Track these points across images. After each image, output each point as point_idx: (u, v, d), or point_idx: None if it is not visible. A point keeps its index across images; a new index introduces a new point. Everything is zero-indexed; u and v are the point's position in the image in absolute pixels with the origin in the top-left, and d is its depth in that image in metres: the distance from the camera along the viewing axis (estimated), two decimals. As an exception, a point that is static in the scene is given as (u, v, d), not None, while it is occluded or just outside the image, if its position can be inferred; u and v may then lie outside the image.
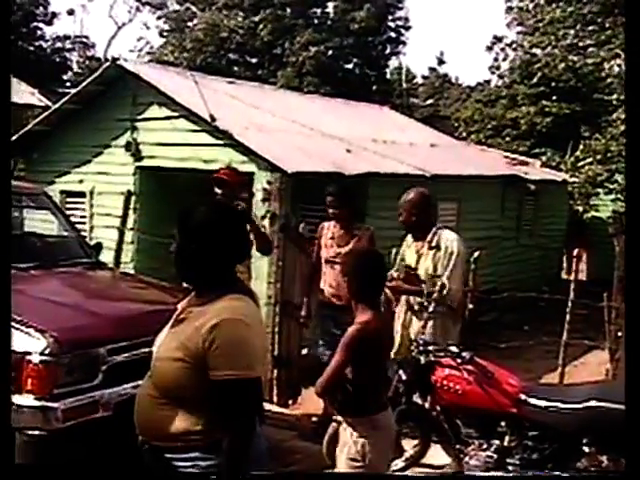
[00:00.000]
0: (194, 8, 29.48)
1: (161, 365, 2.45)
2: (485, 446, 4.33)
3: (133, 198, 8.48)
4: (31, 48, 31.87)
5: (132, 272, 7.80)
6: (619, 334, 5.21)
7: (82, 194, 8.90)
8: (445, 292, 4.80)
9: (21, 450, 4.13)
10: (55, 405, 4.09)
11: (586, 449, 4.01)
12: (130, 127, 8.39)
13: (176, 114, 7.94)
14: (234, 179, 5.57)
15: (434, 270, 4.90)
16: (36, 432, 4.10)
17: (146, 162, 8.33)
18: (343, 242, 5.65)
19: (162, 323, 2.68)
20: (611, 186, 15.21)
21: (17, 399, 4.08)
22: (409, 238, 5.23)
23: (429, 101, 33.72)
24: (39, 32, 32.93)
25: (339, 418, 3.47)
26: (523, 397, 4.19)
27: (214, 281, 2.47)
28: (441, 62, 37.09)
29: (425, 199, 5.09)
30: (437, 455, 4.73)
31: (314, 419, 6.03)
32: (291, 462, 5.13)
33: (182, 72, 10.07)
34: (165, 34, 30.78)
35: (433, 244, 4.95)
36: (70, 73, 32.01)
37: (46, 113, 9.33)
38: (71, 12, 38.78)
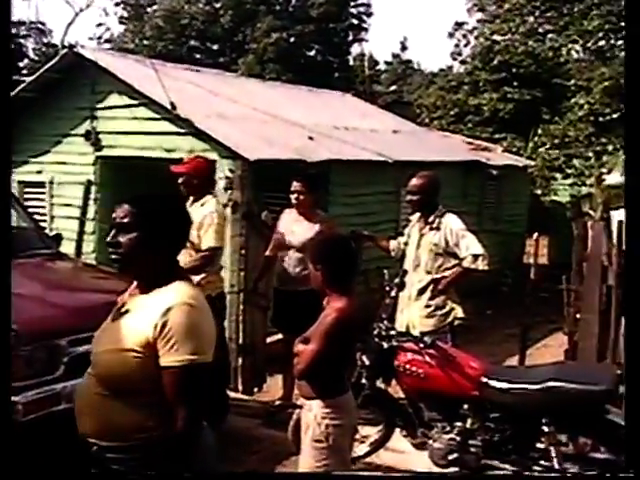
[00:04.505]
0: (153, -6, 29.11)
1: (108, 358, 2.37)
2: (448, 429, 4.39)
3: (93, 188, 8.37)
4: (-15, 35, 31.15)
5: (93, 262, 7.72)
6: (577, 316, 5.30)
7: (41, 184, 8.75)
8: (480, 259, 5.00)
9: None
10: (15, 398, 4.04)
11: (545, 429, 4.09)
12: (89, 116, 8.25)
13: (136, 102, 7.83)
14: (196, 168, 5.51)
15: (436, 249, 5.12)
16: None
17: (106, 151, 8.21)
18: (303, 229, 5.68)
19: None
20: (569, 170, 15.46)
21: (-25, 393, 4.03)
22: (415, 217, 5.38)
23: (392, 87, 33.76)
24: (-7, 18, 32.20)
25: (302, 402, 3.49)
26: (484, 380, 4.25)
27: (160, 270, 2.44)
28: (404, 48, 37.21)
29: (434, 182, 5.29)
30: (401, 439, 4.77)
31: (271, 405, 6.10)
32: (257, 450, 5.15)
33: (142, 60, 9.93)
34: (125, 21, 30.34)
35: (434, 225, 5.14)
36: (26, 60, 31.37)
37: (2, 102, 9.14)
38: (25, -3, 37.87)
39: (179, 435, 2.28)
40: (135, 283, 2.52)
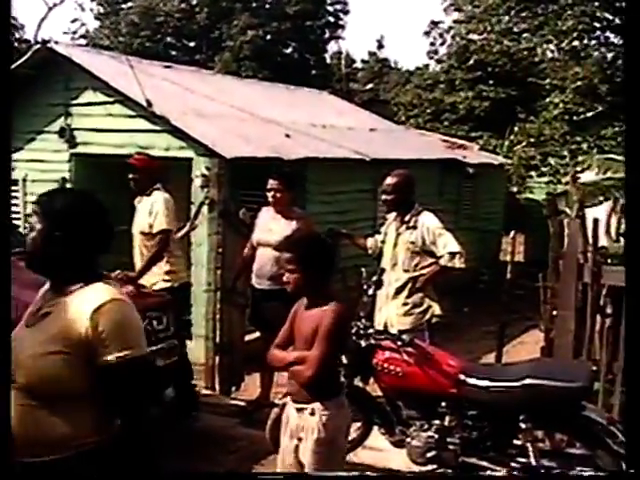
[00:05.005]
0: (129, -9, 28.87)
1: (35, 364, 2.20)
2: (426, 427, 4.39)
3: (68, 185, 8.27)
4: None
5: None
6: (554, 313, 5.33)
7: (14, 182, 8.63)
8: (457, 257, 5.04)
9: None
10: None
11: (522, 425, 4.11)
12: (64, 113, 8.15)
13: (111, 99, 7.74)
14: (145, 164, 5.76)
15: (412, 247, 5.14)
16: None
17: (81, 149, 8.11)
18: (280, 227, 5.66)
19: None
20: (544, 169, 15.61)
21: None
22: (391, 216, 5.39)
23: (369, 86, 33.81)
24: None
25: (297, 406, 3.43)
26: (462, 377, 4.26)
27: (73, 268, 2.32)
28: (381, 46, 37.36)
29: (409, 180, 5.28)
30: (380, 438, 4.77)
31: (243, 403, 6.08)
32: (234, 449, 5.12)
33: (117, 56, 9.83)
34: (100, 17, 30.04)
35: (411, 224, 5.15)
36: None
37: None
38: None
39: (132, 434, 2.21)
40: (48, 285, 2.42)
